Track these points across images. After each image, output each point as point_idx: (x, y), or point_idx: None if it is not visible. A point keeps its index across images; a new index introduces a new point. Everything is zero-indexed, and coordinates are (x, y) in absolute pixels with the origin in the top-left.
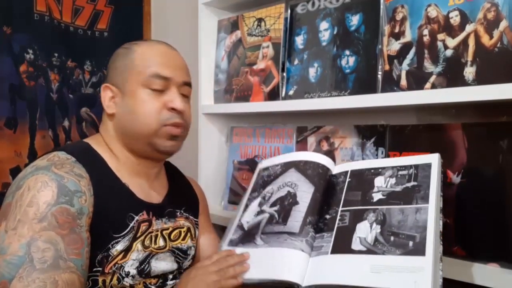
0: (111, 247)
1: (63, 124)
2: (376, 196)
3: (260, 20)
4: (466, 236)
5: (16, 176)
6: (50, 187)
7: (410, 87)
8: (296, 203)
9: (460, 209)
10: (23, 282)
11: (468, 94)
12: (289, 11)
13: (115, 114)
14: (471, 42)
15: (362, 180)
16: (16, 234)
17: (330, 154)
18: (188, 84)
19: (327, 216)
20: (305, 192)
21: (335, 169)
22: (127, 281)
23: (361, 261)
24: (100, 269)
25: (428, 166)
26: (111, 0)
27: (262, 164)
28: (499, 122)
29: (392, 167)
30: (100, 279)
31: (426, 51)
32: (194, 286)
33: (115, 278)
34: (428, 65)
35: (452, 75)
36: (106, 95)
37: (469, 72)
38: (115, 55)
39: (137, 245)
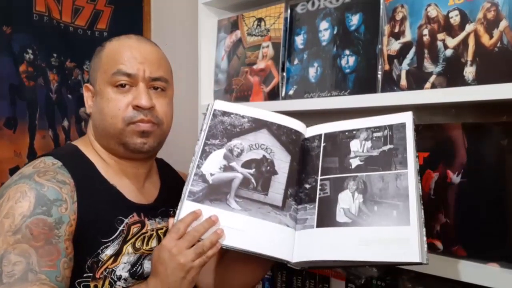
0: (100, 252)
1: (63, 124)
2: (354, 162)
3: (260, 20)
4: (466, 236)
5: None
6: (28, 198)
7: (410, 87)
8: (275, 172)
9: (460, 209)
10: None
11: (468, 94)
12: (289, 11)
13: (91, 114)
14: (471, 42)
15: (338, 145)
16: None
17: None
18: (159, 79)
19: (307, 186)
20: (282, 162)
21: (308, 132)
22: (120, 284)
23: (348, 234)
24: (91, 274)
25: (402, 126)
26: (111, 0)
27: (219, 105)
28: (499, 122)
29: (366, 129)
30: (92, 285)
31: (426, 51)
32: (173, 273)
33: (106, 282)
34: (428, 65)
35: (452, 75)
36: (87, 95)
37: (469, 72)
38: (94, 53)
39: (128, 248)
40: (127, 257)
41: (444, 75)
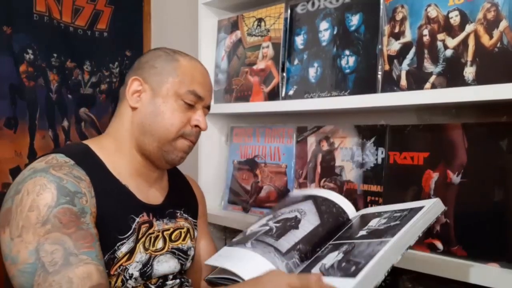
0: (117, 248)
1: (63, 124)
2: (361, 233)
3: (260, 20)
4: (466, 236)
5: (15, 177)
6: (49, 189)
7: (410, 87)
8: (296, 227)
9: (460, 209)
10: None
11: (468, 94)
12: (289, 11)
13: (138, 108)
14: (471, 42)
15: (363, 221)
16: (23, 241)
17: (330, 154)
18: (208, 108)
19: (318, 249)
20: (308, 222)
21: (353, 214)
22: (130, 283)
23: None
24: (107, 271)
25: (419, 208)
26: (111, 0)
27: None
28: (499, 122)
29: (392, 211)
30: None
31: (426, 51)
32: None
33: (119, 280)
34: (428, 65)
35: (452, 75)
36: (133, 87)
37: (469, 72)
38: (155, 55)
39: (140, 246)
40: (140, 256)
41: (444, 75)
